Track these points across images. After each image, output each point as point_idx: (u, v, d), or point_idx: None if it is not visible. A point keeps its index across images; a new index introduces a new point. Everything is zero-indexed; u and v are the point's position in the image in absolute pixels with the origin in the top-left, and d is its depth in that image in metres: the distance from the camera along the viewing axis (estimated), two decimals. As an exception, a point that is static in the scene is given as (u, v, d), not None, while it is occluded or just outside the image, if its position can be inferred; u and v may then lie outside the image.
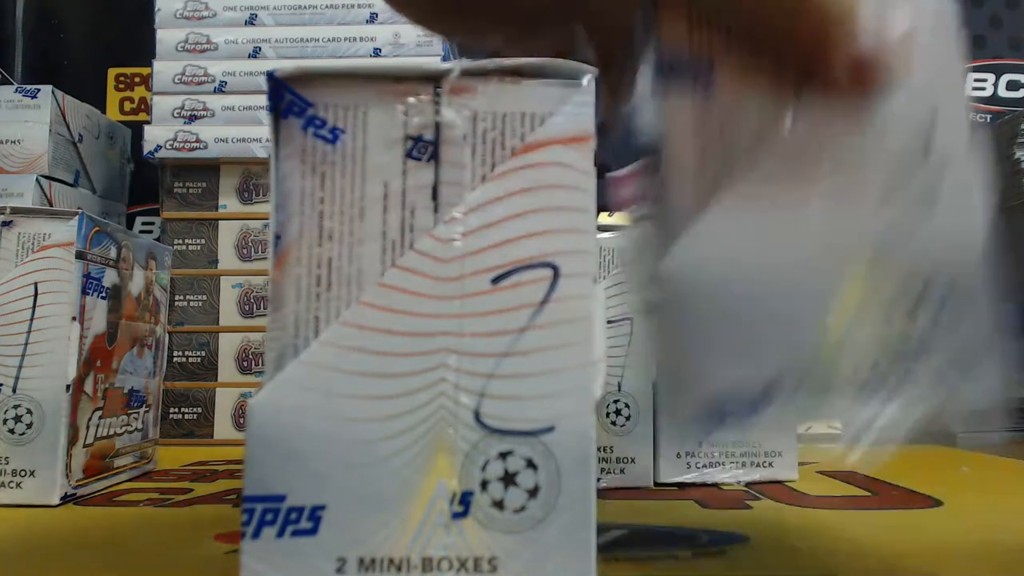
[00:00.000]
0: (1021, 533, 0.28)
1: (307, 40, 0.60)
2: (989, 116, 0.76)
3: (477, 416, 0.17)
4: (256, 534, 0.16)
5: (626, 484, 0.37)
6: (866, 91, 0.19)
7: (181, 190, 0.60)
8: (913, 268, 0.20)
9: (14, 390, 0.33)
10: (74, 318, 0.33)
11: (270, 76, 0.17)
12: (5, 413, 0.33)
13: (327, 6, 0.60)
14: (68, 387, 0.33)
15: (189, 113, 0.59)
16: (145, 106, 0.76)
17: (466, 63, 0.17)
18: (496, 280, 0.17)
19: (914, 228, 0.20)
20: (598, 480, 0.35)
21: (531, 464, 0.17)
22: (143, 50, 0.62)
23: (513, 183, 0.17)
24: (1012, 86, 0.77)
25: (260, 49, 0.60)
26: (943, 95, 0.20)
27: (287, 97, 0.17)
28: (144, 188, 0.71)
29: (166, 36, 0.60)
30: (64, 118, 0.62)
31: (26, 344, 0.33)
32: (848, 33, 0.18)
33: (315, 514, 0.16)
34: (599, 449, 0.36)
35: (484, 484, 0.17)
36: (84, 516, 0.31)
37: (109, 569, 0.24)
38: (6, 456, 0.33)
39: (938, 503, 0.33)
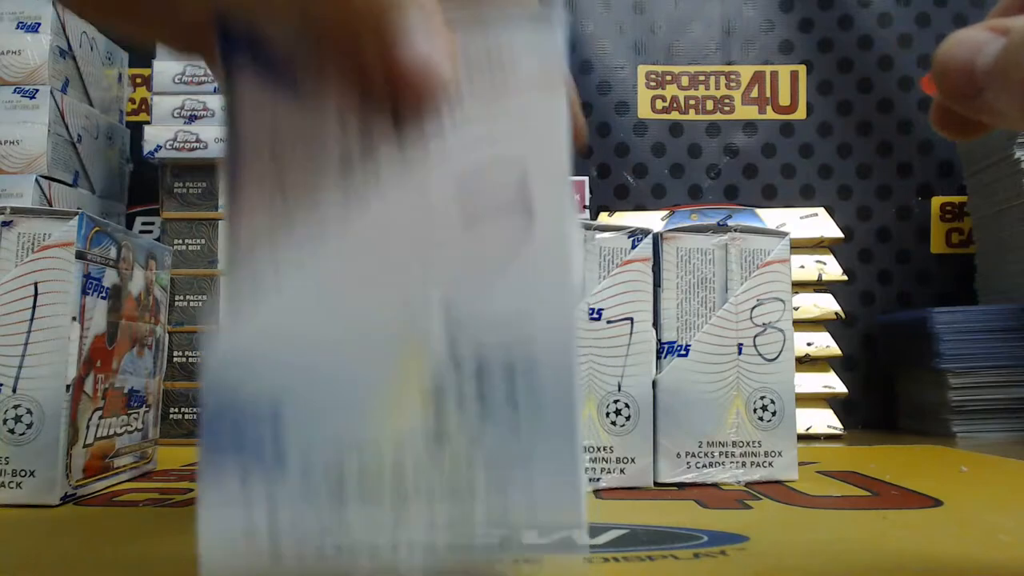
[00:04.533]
0: (1021, 533, 0.28)
1: (307, 40, 0.60)
2: (989, 116, 0.76)
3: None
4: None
5: (626, 484, 0.37)
6: (410, 106, 0.18)
7: (181, 190, 0.60)
8: (452, 349, 0.17)
9: (14, 390, 0.33)
10: (74, 318, 0.33)
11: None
12: (5, 413, 0.33)
13: (327, 6, 0.60)
14: (68, 387, 0.33)
15: (189, 113, 0.59)
16: (146, 106, 0.76)
17: None
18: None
19: (465, 295, 0.18)
20: (598, 480, 0.35)
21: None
22: (144, 51, 0.62)
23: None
24: (1012, 86, 0.77)
25: (260, 49, 0.60)
26: (536, 149, 0.18)
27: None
28: (144, 188, 0.71)
29: (166, 36, 0.60)
30: (63, 118, 0.62)
31: (26, 344, 0.33)
32: (384, 36, 0.18)
33: None
34: (599, 449, 0.36)
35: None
36: (84, 516, 0.31)
37: (109, 569, 0.24)
38: (6, 456, 0.33)
39: (938, 503, 0.33)
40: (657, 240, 0.39)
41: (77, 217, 0.34)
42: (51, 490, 0.33)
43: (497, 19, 0.18)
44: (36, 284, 0.33)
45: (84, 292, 0.34)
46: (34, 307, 0.33)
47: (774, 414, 0.39)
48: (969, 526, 0.29)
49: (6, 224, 0.34)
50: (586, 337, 0.37)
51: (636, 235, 0.38)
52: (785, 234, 0.40)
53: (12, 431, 0.33)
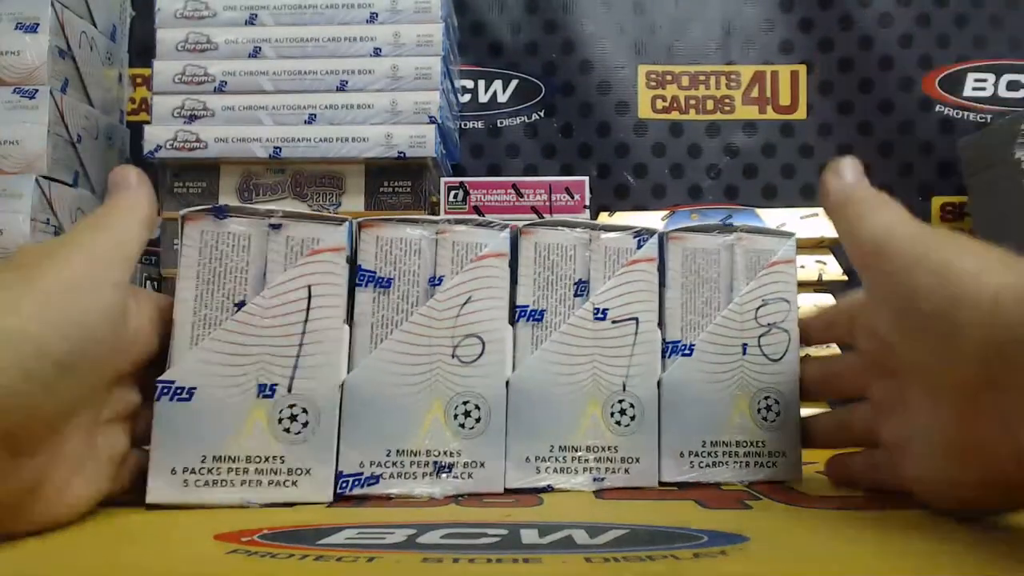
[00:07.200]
0: (1021, 532, 0.28)
1: (307, 40, 0.60)
2: (989, 116, 0.76)
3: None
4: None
5: (631, 484, 0.37)
6: None
7: (181, 190, 0.60)
8: (458, 396, 0.36)
9: (289, 390, 0.33)
10: (345, 321, 0.35)
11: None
12: (280, 412, 0.33)
13: (327, 6, 0.60)
14: (341, 386, 0.34)
15: (189, 113, 0.59)
16: (146, 106, 0.76)
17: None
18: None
19: (451, 370, 0.36)
20: (602, 479, 0.36)
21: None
22: (145, 52, 0.62)
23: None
24: (1012, 86, 0.77)
25: (260, 49, 0.60)
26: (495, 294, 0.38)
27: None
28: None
29: (166, 36, 0.60)
30: (63, 119, 0.62)
31: (300, 345, 0.34)
32: None
33: None
34: (604, 449, 0.36)
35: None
36: (83, 516, 0.31)
37: (109, 569, 0.24)
38: (281, 455, 0.33)
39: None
40: (662, 240, 0.39)
41: (346, 224, 0.35)
42: (327, 487, 0.33)
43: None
44: (309, 287, 0.34)
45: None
46: (308, 309, 0.34)
47: (778, 414, 0.38)
48: (970, 526, 0.29)
49: (274, 227, 0.34)
50: (591, 337, 0.37)
51: (642, 235, 0.38)
52: (791, 234, 0.40)
53: (287, 430, 0.33)
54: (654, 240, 0.38)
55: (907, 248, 0.28)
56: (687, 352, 0.38)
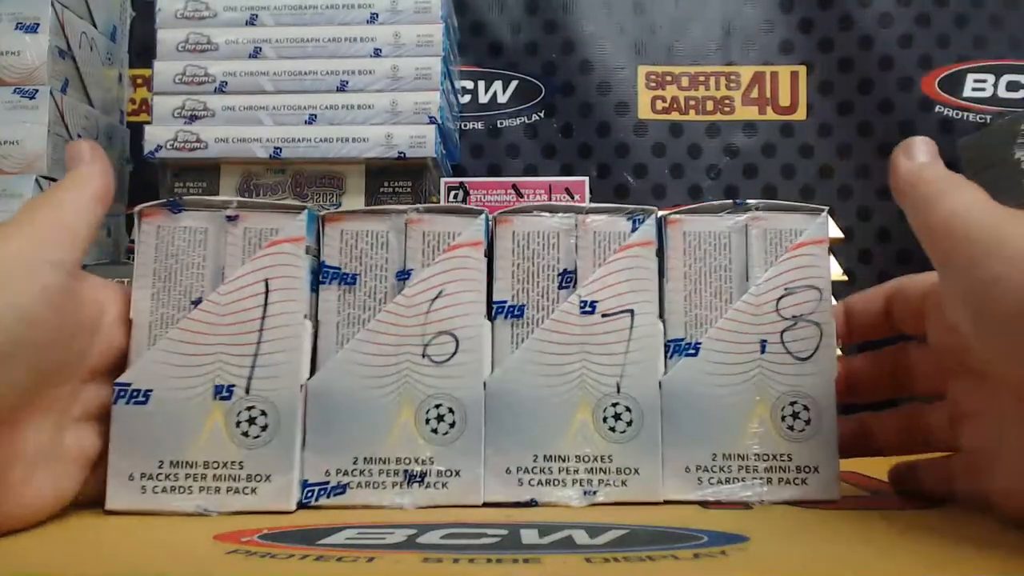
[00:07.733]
0: (1021, 533, 0.28)
1: (307, 40, 0.60)
2: (989, 116, 0.76)
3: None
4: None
5: (629, 498, 0.33)
6: None
7: (181, 190, 0.60)
8: (428, 400, 0.34)
9: (247, 391, 0.32)
10: (306, 315, 0.33)
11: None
12: (238, 415, 0.31)
13: (327, 6, 0.60)
14: (302, 387, 0.32)
15: (189, 113, 0.59)
16: (146, 107, 0.76)
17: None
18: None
19: (422, 369, 0.34)
20: (594, 493, 0.34)
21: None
22: (145, 52, 0.62)
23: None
24: (1012, 86, 0.77)
25: (261, 49, 0.60)
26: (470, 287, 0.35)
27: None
28: (144, 188, 0.71)
29: (167, 36, 0.60)
30: (63, 119, 0.62)
31: (259, 343, 0.32)
32: None
33: None
34: (596, 459, 0.33)
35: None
36: (83, 516, 0.31)
37: (108, 569, 0.24)
38: (239, 460, 0.31)
39: (938, 503, 0.33)
40: (660, 224, 0.35)
41: (305, 212, 0.33)
42: (287, 496, 0.31)
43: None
44: (267, 281, 0.32)
45: (313, 289, 0.34)
46: (265, 304, 0.32)
47: (808, 422, 0.33)
48: (970, 526, 0.29)
49: (231, 219, 0.33)
50: (578, 333, 0.34)
51: (637, 216, 0.34)
52: (821, 209, 0.35)
53: (246, 434, 0.31)
54: (651, 221, 0.34)
55: (982, 234, 0.25)
56: (692, 352, 0.34)
